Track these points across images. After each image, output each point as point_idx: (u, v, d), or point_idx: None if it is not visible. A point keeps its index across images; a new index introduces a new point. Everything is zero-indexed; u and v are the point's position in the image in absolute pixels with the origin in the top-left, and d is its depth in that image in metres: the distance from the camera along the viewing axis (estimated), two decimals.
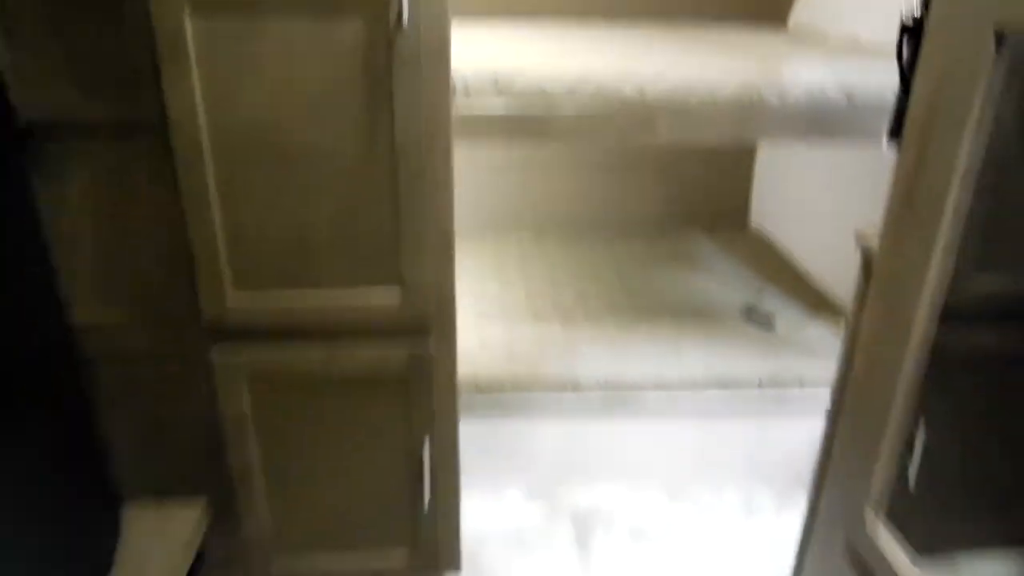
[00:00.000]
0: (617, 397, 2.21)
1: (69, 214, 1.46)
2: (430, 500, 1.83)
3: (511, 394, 2.22)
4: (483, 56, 1.78)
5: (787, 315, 2.51)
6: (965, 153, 0.83)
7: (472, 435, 2.22)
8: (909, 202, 0.91)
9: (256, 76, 1.38)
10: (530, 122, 1.78)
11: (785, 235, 3.13)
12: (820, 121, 1.75)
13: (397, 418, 1.72)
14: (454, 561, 2.00)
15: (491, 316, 2.50)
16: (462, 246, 2.99)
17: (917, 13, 1.07)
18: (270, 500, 1.81)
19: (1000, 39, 0.79)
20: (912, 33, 1.07)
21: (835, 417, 1.15)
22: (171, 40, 1.34)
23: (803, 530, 1.28)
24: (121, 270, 1.53)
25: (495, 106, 1.73)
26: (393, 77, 1.38)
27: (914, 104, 0.91)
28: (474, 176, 3.25)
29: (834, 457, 1.09)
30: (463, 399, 2.15)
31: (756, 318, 2.50)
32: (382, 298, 1.58)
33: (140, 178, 1.45)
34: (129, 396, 1.65)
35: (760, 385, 2.23)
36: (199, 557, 1.73)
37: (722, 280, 2.81)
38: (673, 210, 3.39)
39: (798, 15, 2.97)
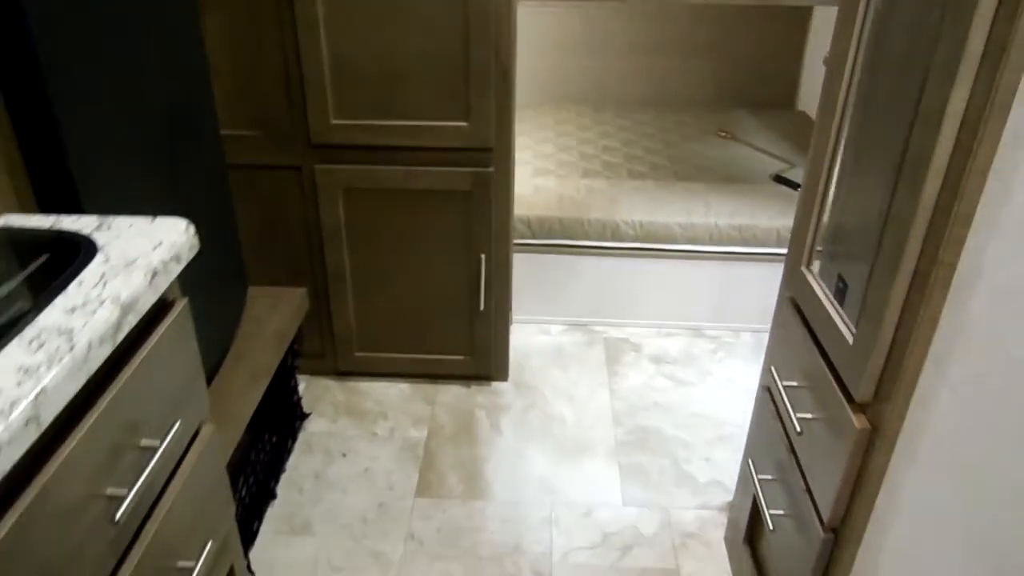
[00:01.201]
0: (651, 241, 2.54)
1: (211, 48, 1.84)
2: (484, 308, 2.22)
3: (559, 238, 2.57)
4: None
5: None
6: None
7: (524, 271, 2.60)
8: None
9: None
10: None
11: None
12: None
13: (461, 230, 2.10)
14: (503, 371, 2.41)
15: (546, 172, 2.83)
16: (526, 114, 3.33)
17: None
18: (355, 299, 2.23)
19: None
20: None
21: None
22: None
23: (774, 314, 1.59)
24: (249, 94, 1.92)
25: None
26: None
27: None
28: (539, 52, 3.52)
29: (792, 243, 1.40)
30: (517, 239, 2.52)
31: (784, 182, 2.77)
32: (453, 127, 1.93)
33: (264, 16, 1.81)
34: (253, 199, 2.06)
35: (778, 238, 2.52)
36: (299, 349, 2.17)
37: (759, 151, 3.06)
38: (723, 90, 3.60)
39: None
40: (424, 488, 1.98)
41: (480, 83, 1.86)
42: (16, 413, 0.69)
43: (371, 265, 2.17)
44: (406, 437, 2.15)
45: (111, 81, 1.26)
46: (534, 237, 2.57)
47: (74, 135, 1.15)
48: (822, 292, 1.23)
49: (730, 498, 1.96)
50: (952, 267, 0.90)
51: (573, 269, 2.64)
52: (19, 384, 0.72)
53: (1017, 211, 0.80)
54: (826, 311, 1.20)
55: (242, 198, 2.02)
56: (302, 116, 1.93)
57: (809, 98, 3.56)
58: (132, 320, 0.89)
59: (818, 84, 3.61)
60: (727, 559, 1.80)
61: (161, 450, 0.95)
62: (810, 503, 1.22)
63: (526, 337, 2.62)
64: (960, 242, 0.88)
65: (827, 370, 1.18)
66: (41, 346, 0.78)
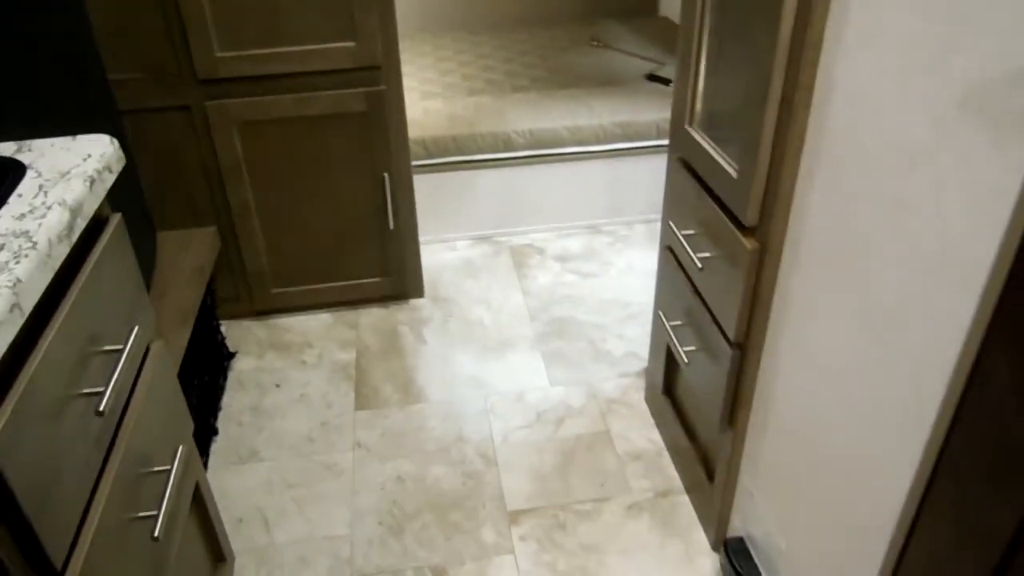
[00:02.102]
0: (542, 147, 2.66)
1: None
2: (394, 227, 2.28)
3: (455, 155, 2.64)
4: None
5: None
6: None
7: (424, 192, 2.66)
8: None
9: None
10: None
11: None
12: None
13: (361, 153, 2.14)
14: (418, 288, 2.50)
15: (433, 95, 2.87)
16: (403, 44, 3.33)
17: None
18: (265, 235, 2.24)
19: None
20: None
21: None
22: None
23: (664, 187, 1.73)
24: (127, 35, 1.87)
25: None
26: None
27: None
28: None
29: (674, 110, 1.54)
30: (414, 161, 2.58)
31: (656, 79, 2.94)
32: (340, 47, 1.96)
33: None
34: (146, 145, 2.02)
35: (658, 130, 2.70)
36: (212, 294, 2.17)
37: (630, 56, 3.21)
38: (590, 3, 3.72)
39: None
40: (362, 402, 2.06)
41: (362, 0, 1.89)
42: (1, 300, 0.73)
43: (276, 198, 2.19)
44: (335, 360, 2.22)
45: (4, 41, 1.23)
46: (430, 157, 2.63)
47: None
48: (706, 142, 1.38)
49: (644, 365, 2.15)
50: (810, 87, 1.05)
51: (471, 184, 2.73)
52: None
53: (855, 27, 0.95)
54: (711, 157, 1.35)
55: (134, 145, 1.98)
56: (185, 52, 1.91)
57: (669, 3, 3.74)
58: (81, 224, 0.92)
59: None
60: (648, 414, 1.99)
61: (127, 351, 0.99)
62: (717, 329, 1.39)
63: (434, 255, 2.71)
64: (814, 64, 1.03)
65: (718, 209, 1.34)
66: (1, 247, 0.81)
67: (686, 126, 1.46)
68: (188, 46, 1.90)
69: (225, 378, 2.13)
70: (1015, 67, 0.73)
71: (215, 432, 1.96)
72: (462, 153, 2.65)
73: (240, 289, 2.34)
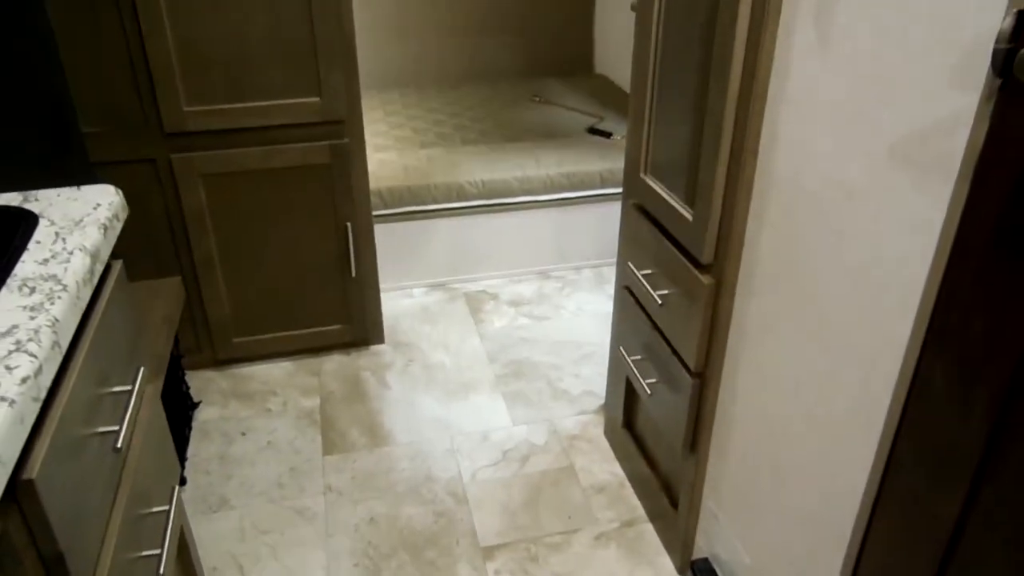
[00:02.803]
0: (493, 197, 2.78)
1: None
2: (356, 273, 2.35)
3: (409, 204, 2.74)
4: None
5: (622, 130, 3.13)
6: None
7: (380, 240, 2.74)
8: None
9: None
10: None
11: (623, 77, 3.73)
12: None
13: (325, 203, 2.21)
14: (379, 335, 2.55)
15: (386, 147, 2.97)
16: None
17: None
18: (228, 284, 2.27)
19: None
20: None
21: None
22: None
23: (619, 230, 1.86)
24: (95, 89, 1.91)
25: None
26: None
27: None
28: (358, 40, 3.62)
29: (628, 161, 1.68)
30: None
31: (597, 133, 3.11)
32: (306, 102, 2.04)
33: (103, 5, 1.82)
34: None
35: (601, 180, 2.86)
36: (176, 344, 2.17)
37: (571, 110, 3.39)
38: (530, 61, 3.92)
39: None
40: (329, 447, 2.09)
41: (328, 57, 1.99)
42: (44, 338, 0.78)
43: (240, 248, 2.23)
44: (300, 407, 2.24)
45: None
46: (386, 207, 2.71)
47: None
48: (660, 189, 1.51)
49: (601, 402, 2.25)
50: (757, 137, 1.19)
51: (425, 233, 2.82)
52: (32, 318, 0.80)
53: (794, 85, 1.10)
54: (666, 202, 1.48)
55: None
56: (153, 106, 1.96)
57: (603, 62, 3.97)
58: (99, 269, 0.97)
59: (609, 52, 3.99)
60: (609, 448, 2.09)
61: (136, 389, 1.03)
62: (677, 361, 1.51)
63: (392, 302, 2.77)
64: (760, 115, 1.18)
65: (675, 249, 1.46)
66: (33, 290, 0.85)
67: (641, 174, 1.60)
68: (156, 100, 1.95)
69: (190, 428, 2.13)
70: (931, 122, 0.87)
71: (183, 482, 1.95)
72: (417, 203, 2.74)
73: (201, 339, 2.34)
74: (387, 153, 2.91)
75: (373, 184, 2.68)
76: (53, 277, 0.88)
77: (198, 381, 2.33)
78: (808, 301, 1.14)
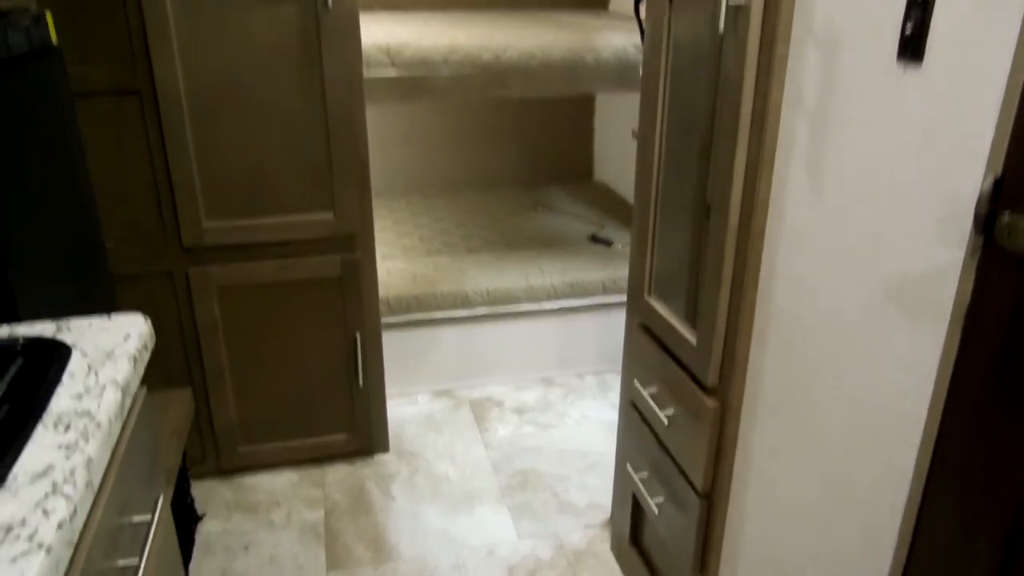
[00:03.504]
0: (498, 305, 2.84)
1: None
2: (364, 383, 2.38)
3: (416, 312, 2.79)
4: (379, 36, 2.35)
5: (623, 238, 3.23)
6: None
7: (387, 348, 2.78)
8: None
9: (221, 47, 1.89)
10: (416, 83, 2.36)
11: (622, 184, 3.87)
12: (625, 75, 2.45)
13: (335, 314, 2.26)
14: (384, 443, 2.56)
15: (394, 256, 3.06)
16: None
17: None
18: (236, 394, 2.30)
19: None
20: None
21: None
22: (157, 24, 1.83)
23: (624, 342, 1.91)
24: (118, 205, 1.99)
25: (390, 72, 2.31)
26: (321, 45, 1.94)
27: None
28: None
29: (632, 282, 1.74)
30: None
31: (599, 241, 3.21)
32: (320, 218, 2.13)
33: (135, 130, 1.92)
34: (127, 308, 2.09)
35: (604, 288, 2.92)
36: (184, 455, 2.18)
37: (572, 218, 3.50)
38: (533, 169, 4.07)
39: (616, 3, 3.71)
40: (334, 562, 2.06)
41: (342, 176, 2.09)
42: (79, 479, 0.81)
43: (250, 358, 2.26)
44: (304, 520, 2.22)
45: (29, 209, 1.35)
46: (393, 315, 2.77)
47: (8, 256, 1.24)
48: (665, 312, 1.57)
49: (607, 515, 2.24)
50: (756, 270, 1.25)
51: (431, 340, 2.86)
52: (67, 457, 0.83)
53: (790, 226, 1.17)
54: (671, 326, 1.53)
55: (121, 307, 2.05)
56: (173, 222, 2.04)
57: (602, 170, 4.12)
58: (128, 403, 1.00)
59: (608, 160, 4.15)
60: (616, 564, 2.06)
61: (155, 521, 1.05)
62: (684, 480, 1.52)
63: (397, 409, 2.78)
64: (759, 251, 1.24)
65: (680, 370, 1.50)
66: (68, 427, 0.89)
67: (645, 296, 1.65)
68: (176, 216, 2.03)
69: (193, 543, 2.10)
70: (921, 271, 0.93)
71: None
72: (423, 311, 2.80)
73: (207, 448, 2.35)
74: (395, 262, 2.99)
75: (381, 292, 2.75)
76: (87, 413, 0.91)
77: (202, 490, 2.32)
78: (810, 431, 1.17)
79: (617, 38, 2.47)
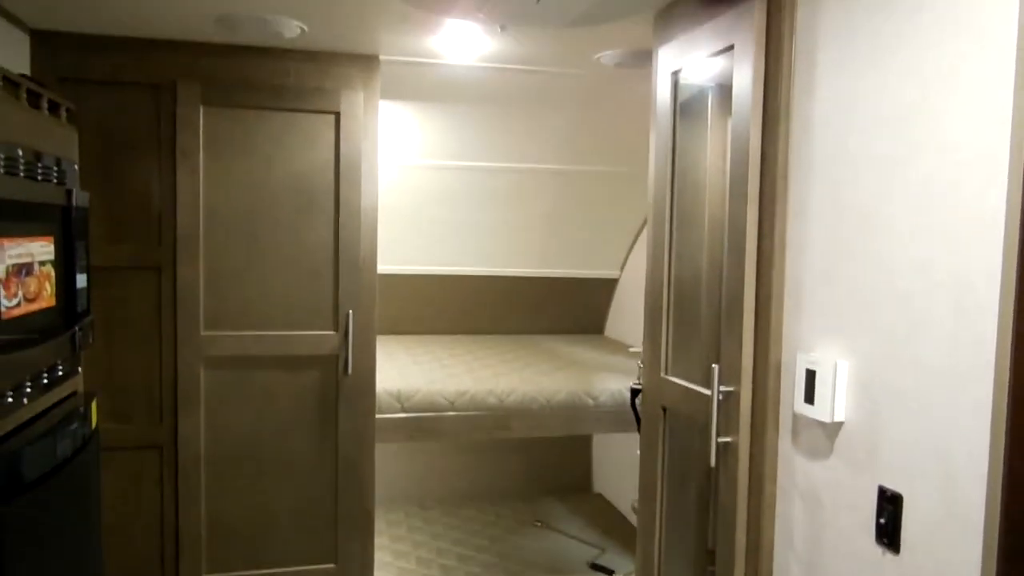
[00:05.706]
0: None
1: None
2: None
3: None
4: (391, 380, 2.51)
5: (624, 566, 3.16)
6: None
7: None
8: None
9: (244, 406, 2.03)
10: (423, 424, 2.48)
11: (620, 497, 3.86)
12: (622, 419, 2.58)
13: None
14: None
15: None
16: None
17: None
18: None
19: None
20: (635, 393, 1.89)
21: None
22: (186, 387, 1.98)
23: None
24: (125, 555, 1.99)
25: (400, 415, 2.44)
26: (338, 407, 2.07)
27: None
28: None
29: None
30: None
31: (599, 569, 3.13)
32: (322, 568, 2.12)
33: (151, 482, 1.99)
34: None
35: None
36: None
37: (572, 539, 3.46)
38: (530, 478, 4.09)
39: (609, 330, 4.01)
40: None
41: (347, 527, 2.11)
42: None
43: None
44: None
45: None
46: None
47: None
48: None
49: None
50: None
51: None
52: None
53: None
54: None
55: None
56: (173, 573, 2.02)
57: (601, 482, 4.15)
58: None
59: (606, 473, 4.18)
60: None
61: None
62: None
63: None
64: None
65: None
66: None
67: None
68: (177, 568, 2.02)
69: None
70: None
71: None
72: None
73: None
74: None
75: None
76: None
77: None
78: None
79: (613, 381, 2.64)
